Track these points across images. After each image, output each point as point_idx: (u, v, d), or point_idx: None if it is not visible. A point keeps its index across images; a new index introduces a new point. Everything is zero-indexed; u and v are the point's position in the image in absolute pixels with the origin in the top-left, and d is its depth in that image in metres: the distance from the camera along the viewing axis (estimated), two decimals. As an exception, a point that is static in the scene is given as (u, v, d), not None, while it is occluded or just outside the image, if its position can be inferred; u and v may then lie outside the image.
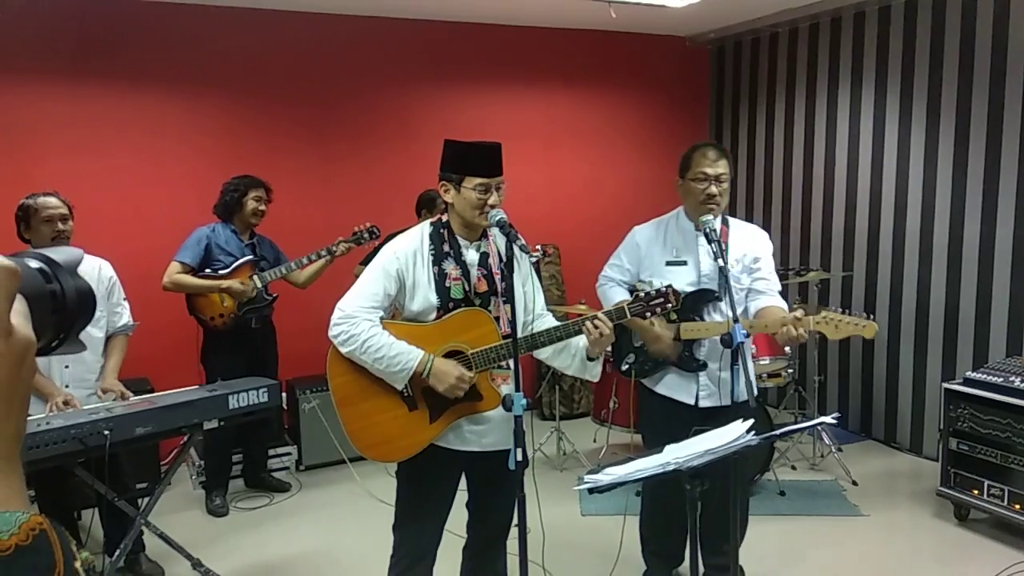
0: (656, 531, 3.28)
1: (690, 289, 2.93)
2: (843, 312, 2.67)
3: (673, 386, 3.02)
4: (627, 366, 3.12)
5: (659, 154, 6.50)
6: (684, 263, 2.96)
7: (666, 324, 2.92)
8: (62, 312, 0.70)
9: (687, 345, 2.95)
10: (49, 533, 0.62)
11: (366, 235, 4.39)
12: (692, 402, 2.99)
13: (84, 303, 0.72)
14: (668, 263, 2.96)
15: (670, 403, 3.01)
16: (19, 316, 0.64)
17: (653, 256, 3.02)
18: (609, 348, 2.81)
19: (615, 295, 3.05)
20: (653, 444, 2.75)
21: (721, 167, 2.91)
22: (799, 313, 2.68)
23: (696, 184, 2.91)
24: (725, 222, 3.04)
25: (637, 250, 3.06)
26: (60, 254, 0.72)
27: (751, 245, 3.03)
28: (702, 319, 2.94)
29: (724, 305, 2.92)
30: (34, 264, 0.70)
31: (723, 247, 2.76)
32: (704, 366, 3.03)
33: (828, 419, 2.17)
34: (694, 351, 2.97)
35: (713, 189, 2.89)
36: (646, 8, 5.20)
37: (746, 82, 6.36)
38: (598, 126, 6.32)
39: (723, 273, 2.69)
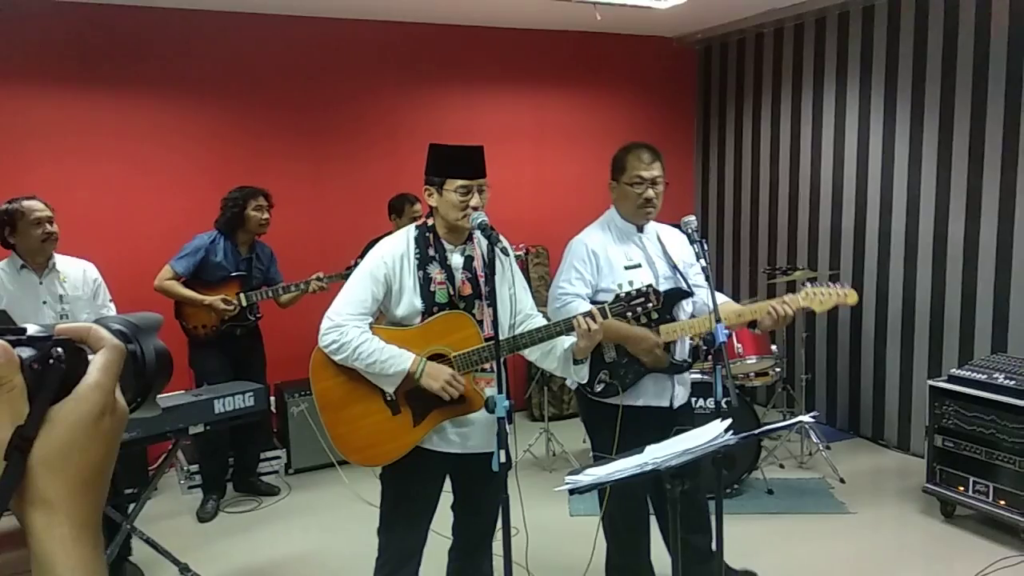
0: (628, 556, 3.16)
1: None
2: (824, 285, 2.71)
3: (651, 394, 2.93)
4: (602, 385, 2.92)
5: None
6: (639, 266, 2.89)
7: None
8: (142, 375, 0.69)
9: (667, 348, 2.89)
10: None
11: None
12: (668, 404, 2.94)
13: (163, 364, 0.71)
14: (626, 267, 2.87)
15: (645, 412, 2.90)
16: (118, 389, 0.64)
17: (612, 262, 2.91)
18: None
19: (582, 309, 2.81)
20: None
21: (656, 169, 2.86)
22: (787, 296, 2.71)
23: (632, 188, 2.87)
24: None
25: (595, 258, 2.93)
26: (140, 318, 0.72)
27: (683, 246, 3.00)
28: (675, 319, 2.90)
29: (687, 304, 2.93)
30: (114, 326, 0.69)
31: (665, 248, 2.75)
32: (689, 366, 3.01)
33: (806, 418, 2.20)
34: (674, 352, 2.93)
35: (650, 192, 2.84)
36: (632, 9, 5.21)
37: (733, 82, 6.39)
38: (587, 127, 6.33)
39: (706, 272, 2.68)
